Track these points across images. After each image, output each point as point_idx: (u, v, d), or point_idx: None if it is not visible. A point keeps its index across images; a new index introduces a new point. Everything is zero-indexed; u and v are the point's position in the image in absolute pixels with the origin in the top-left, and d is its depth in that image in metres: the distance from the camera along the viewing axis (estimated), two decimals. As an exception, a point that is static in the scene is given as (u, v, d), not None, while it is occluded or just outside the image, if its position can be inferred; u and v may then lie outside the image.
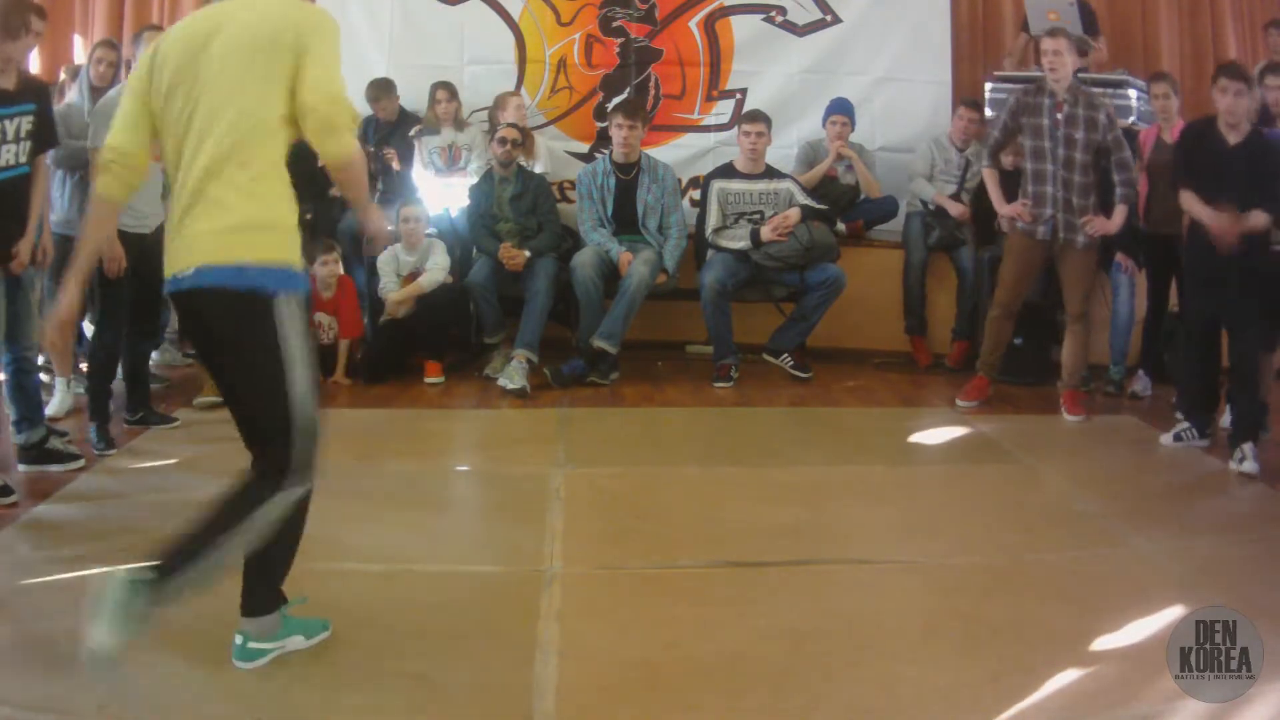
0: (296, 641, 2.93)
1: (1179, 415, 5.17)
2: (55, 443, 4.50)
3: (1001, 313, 5.61)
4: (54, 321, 2.85)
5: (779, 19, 7.36)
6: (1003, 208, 5.57)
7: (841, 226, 6.69)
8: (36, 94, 4.30)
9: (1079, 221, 5.33)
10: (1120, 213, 5.35)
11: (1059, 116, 5.29)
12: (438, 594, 3.38)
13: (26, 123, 4.20)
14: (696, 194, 6.83)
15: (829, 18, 7.36)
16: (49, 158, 4.48)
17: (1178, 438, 5.04)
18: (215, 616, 3.13)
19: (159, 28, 5.44)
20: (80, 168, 5.12)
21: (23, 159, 4.21)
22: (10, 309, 4.29)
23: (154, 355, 6.18)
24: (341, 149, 2.66)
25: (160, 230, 4.95)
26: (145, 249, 4.84)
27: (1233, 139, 4.79)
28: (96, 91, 5.57)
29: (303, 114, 2.63)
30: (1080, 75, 6.59)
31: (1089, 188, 5.33)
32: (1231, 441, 4.79)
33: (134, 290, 4.90)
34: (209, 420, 5.29)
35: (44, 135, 4.32)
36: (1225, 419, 5.04)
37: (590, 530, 3.96)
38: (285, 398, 2.68)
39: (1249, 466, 4.63)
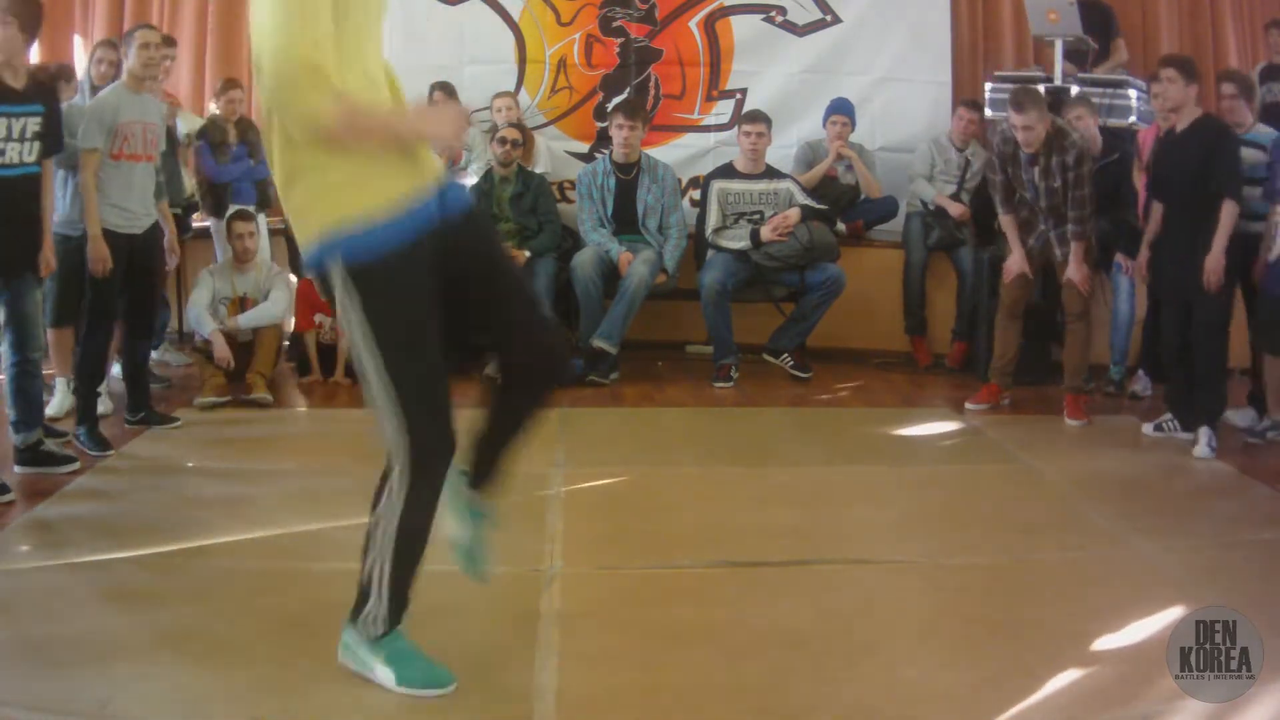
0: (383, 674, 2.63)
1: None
2: (50, 445, 4.48)
3: (1005, 314, 5.60)
4: None
5: (779, 19, 7.35)
6: (1017, 252, 5.53)
7: (841, 226, 6.69)
8: (45, 96, 4.30)
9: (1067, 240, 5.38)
10: (1075, 252, 5.34)
11: (1036, 170, 5.32)
12: (438, 594, 3.37)
13: (34, 123, 4.19)
14: (696, 194, 6.83)
15: (829, 18, 7.36)
16: (78, 143, 4.50)
17: (1158, 428, 5.11)
18: (217, 616, 3.14)
19: (152, 26, 5.41)
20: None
21: (29, 159, 4.20)
22: (17, 312, 4.29)
23: (154, 354, 6.20)
24: (304, 112, 2.18)
25: (153, 230, 4.97)
26: (136, 249, 4.84)
27: (1180, 126, 4.92)
28: (98, 91, 5.57)
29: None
30: (1080, 75, 6.61)
31: (1082, 209, 5.30)
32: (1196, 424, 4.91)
33: (127, 292, 4.89)
34: (210, 421, 5.30)
35: (51, 138, 4.31)
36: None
37: (590, 530, 3.96)
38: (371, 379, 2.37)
39: (1200, 451, 4.76)
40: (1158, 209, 5.17)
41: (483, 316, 2.51)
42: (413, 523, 2.46)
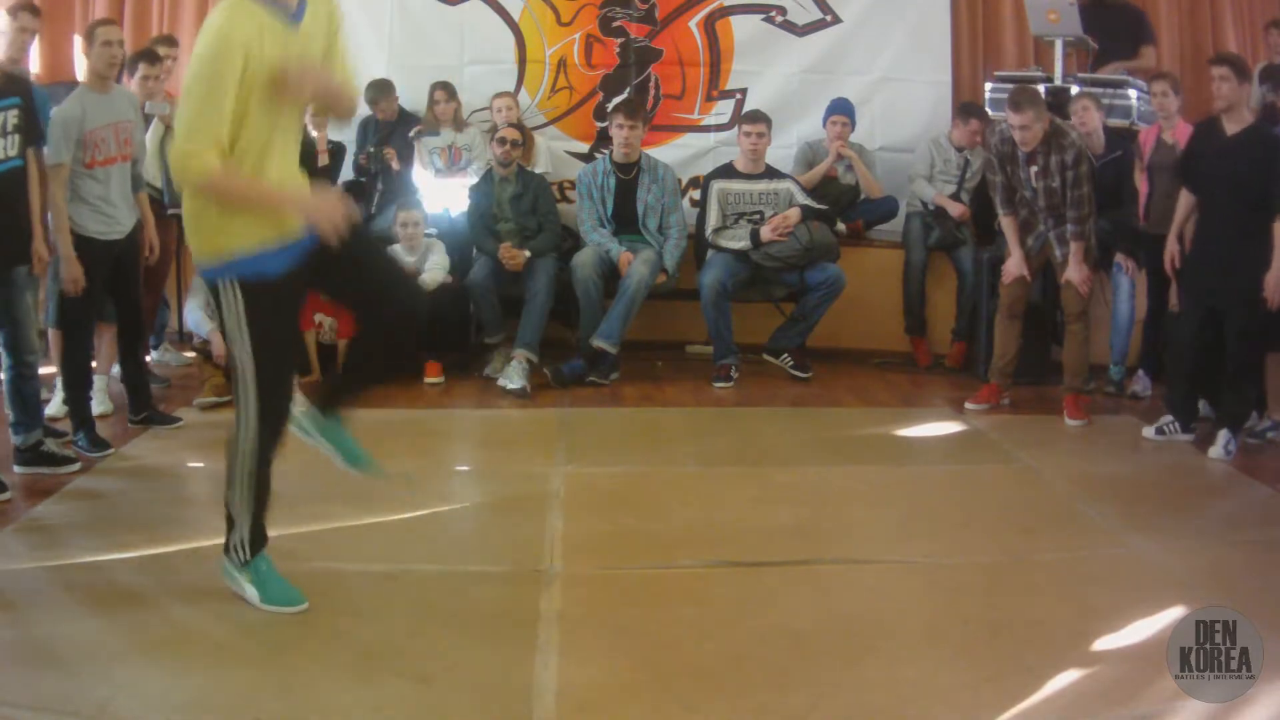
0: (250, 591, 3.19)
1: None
2: (51, 446, 4.47)
3: (1004, 314, 5.61)
4: None
5: (779, 19, 7.35)
6: (1015, 254, 5.54)
7: (841, 226, 6.69)
8: (20, 89, 4.28)
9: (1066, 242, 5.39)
10: (1074, 252, 5.35)
11: (1034, 170, 5.32)
12: (438, 594, 3.38)
13: (13, 116, 4.18)
14: (696, 194, 6.83)
15: (829, 18, 7.36)
16: (44, 157, 4.45)
17: (1159, 431, 5.10)
18: (217, 616, 3.15)
19: (112, 22, 5.29)
20: None
21: (11, 152, 4.19)
22: (9, 315, 4.28)
23: (154, 354, 6.19)
24: (186, 180, 2.96)
25: (135, 234, 4.92)
26: (119, 257, 4.79)
27: (1230, 129, 4.85)
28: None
29: None
30: (1080, 75, 6.61)
31: (1081, 209, 5.31)
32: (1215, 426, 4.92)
33: (114, 299, 4.87)
34: (210, 421, 5.29)
35: (31, 129, 4.29)
36: (1203, 408, 5.18)
37: (590, 530, 3.96)
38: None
39: (1216, 453, 4.76)
40: (1187, 199, 5.06)
41: (348, 287, 3.23)
42: (260, 467, 3.13)
